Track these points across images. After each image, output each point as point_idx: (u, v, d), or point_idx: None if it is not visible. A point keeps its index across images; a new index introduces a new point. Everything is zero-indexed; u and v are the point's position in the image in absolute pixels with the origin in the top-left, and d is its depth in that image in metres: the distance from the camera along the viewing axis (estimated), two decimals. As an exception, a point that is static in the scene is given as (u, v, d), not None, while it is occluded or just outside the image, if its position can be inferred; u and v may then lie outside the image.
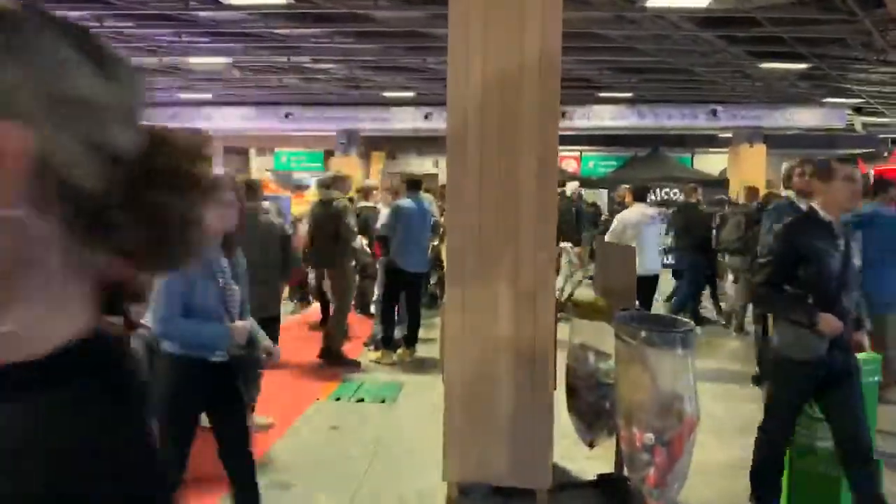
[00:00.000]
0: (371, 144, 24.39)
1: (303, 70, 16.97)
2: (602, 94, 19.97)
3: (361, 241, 6.24)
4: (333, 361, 6.11)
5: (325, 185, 6.14)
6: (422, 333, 6.52)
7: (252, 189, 4.95)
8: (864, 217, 4.30)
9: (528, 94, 2.46)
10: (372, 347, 6.63)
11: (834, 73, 15.61)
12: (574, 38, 13.08)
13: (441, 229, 7.75)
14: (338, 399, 5.56)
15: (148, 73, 17.10)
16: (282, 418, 5.01)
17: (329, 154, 24.55)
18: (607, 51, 14.23)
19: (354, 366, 6.16)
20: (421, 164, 26.37)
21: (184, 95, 20.63)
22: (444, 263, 8.22)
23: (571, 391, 2.71)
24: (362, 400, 5.51)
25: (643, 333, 2.20)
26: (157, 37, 13.56)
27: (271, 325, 4.22)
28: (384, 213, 6.34)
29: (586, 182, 18.19)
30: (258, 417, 5.11)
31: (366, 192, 7.29)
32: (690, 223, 8.49)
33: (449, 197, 2.59)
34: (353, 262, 6.08)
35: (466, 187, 2.58)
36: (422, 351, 6.61)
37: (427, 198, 6.35)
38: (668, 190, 14.60)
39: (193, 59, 15.17)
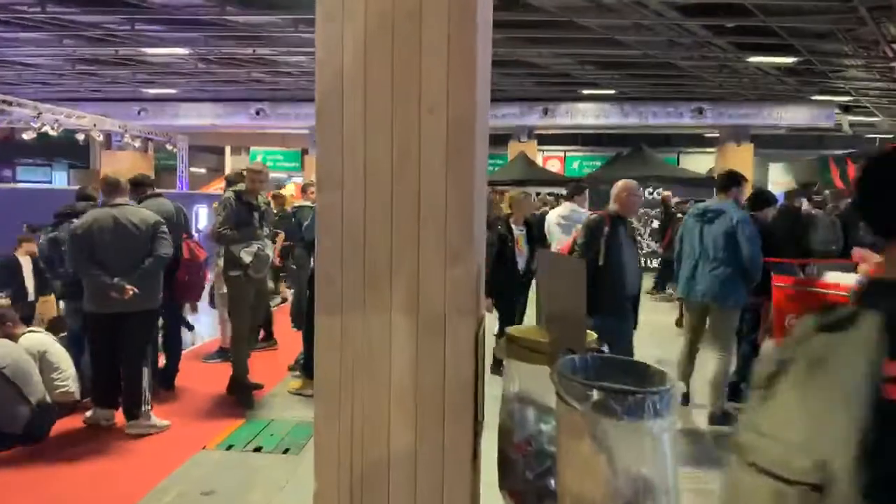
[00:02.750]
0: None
1: (271, 63, 16.11)
2: (585, 92, 19.26)
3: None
4: (238, 391, 5.03)
5: (228, 181, 5.53)
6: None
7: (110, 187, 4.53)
8: None
9: (434, 24, 1.64)
10: (297, 373, 5.55)
11: (824, 69, 14.97)
12: (550, 27, 12.32)
13: None
14: (229, 447, 4.30)
15: (106, 66, 16.35)
16: (146, 474, 3.87)
17: (305, 152, 23.69)
18: (586, 42, 13.48)
19: (254, 388, 5.08)
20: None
21: (149, 91, 19.69)
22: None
23: (504, 462, 1.86)
24: (259, 449, 4.28)
25: (594, 394, 1.39)
26: (106, 24, 12.63)
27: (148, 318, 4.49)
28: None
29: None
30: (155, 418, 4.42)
31: (304, 190, 6.36)
32: (799, 229, 7.09)
33: (319, 184, 1.75)
34: (239, 271, 4.90)
35: (343, 169, 1.75)
36: None
37: None
38: (651, 189, 13.83)
39: (150, 50, 14.27)
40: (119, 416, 4.45)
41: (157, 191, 5.21)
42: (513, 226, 5.66)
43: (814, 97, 18.79)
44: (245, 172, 5.04)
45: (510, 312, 5.40)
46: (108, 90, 19.92)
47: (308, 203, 6.22)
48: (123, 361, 4.33)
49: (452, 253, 1.79)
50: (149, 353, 4.54)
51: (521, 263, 5.57)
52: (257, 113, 20.83)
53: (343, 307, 1.84)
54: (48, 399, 3.80)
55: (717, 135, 21.55)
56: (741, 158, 20.08)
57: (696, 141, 25.36)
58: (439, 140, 1.78)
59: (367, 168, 1.82)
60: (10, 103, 14.87)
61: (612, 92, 19.12)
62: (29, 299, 6.27)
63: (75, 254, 4.32)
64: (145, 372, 4.37)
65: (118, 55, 14.85)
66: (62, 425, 4.18)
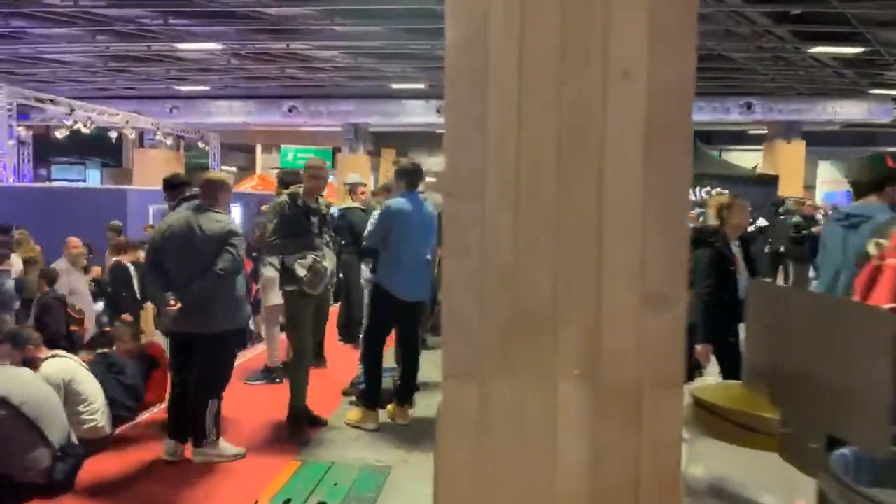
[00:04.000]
0: (380, 140, 23.02)
1: (304, 59, 15.66)
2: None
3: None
4: (294, 426, 4.30)
5: (282, 181, 4.88)
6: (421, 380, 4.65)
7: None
8: None
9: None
10: (354, 399, 4.80)
11: (889, 60, 14.00)
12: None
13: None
14: (286, 503, 3.46)
15: (139, 62, 16.08)
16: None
17: (337, 151, 23.27)
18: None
19: (318, 426, 4.35)
20: (442, 162, 24.90)
21: (181, 88, 19.42)
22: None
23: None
24: (323, 505, 3.39)
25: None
26: (139, 18, 12.28)
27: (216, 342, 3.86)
28: (375, 216, 4.78)
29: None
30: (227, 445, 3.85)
31: (351, 189, 5.74)
32: None
33: (447, 188, 1.16)
34: (296, 286, 4.17)
35: (485, 167, 1.16)
36: (422, 409, 4.61)
37: (434, 199, 4.55)
38: (709, 188, 12.99)
39: (183, 46, 13.92)
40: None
41: (195, 191, 4.64)
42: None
43: (870, 91, 17.75)
44: (303, 170, 4.33)
45: (734, 364, 3.71)
46: (140, 87, 19.71)
47: (357, 204, 5.64)
48: (192, 387, 3.87)
49: (652, 292, 1.19)
50: (217, 382, 3.93)
51: (741, 292, 3.97)
52: (290, 110, 20.44)
53: (482, 368, 1.26)
54: (73, 438, 3.28)
55: (765, 131, 20.54)
56: (792, 156, 19.09)
57: (739, 138, 24.34)
58: (634, 121, 1.18)
59: (522, 165, 1.23)
60: (44, 101, 14.70)
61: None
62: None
63: (146, 261, 3.93)
64: (211, 403, 3.83)
65: (151, 51, 14.53)
66: (91, 466, 3.58)
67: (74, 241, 5.98)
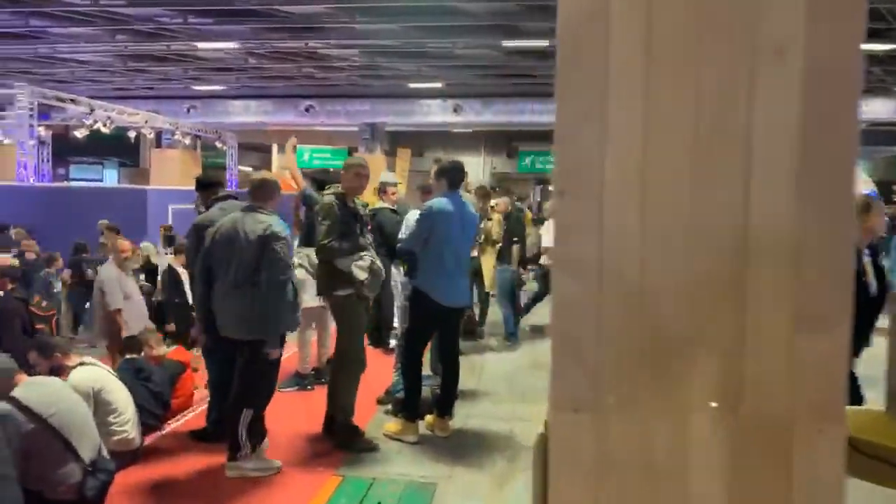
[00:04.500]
0: (396, 140, 22.88)
1: (321, 58, 15.54)
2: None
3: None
4: (336, 439, 4.08)
5: (317, 181, 4.64)
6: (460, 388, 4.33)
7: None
8: None
9: None
10: (389, 408, 4.61)
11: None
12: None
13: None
14: None
15: (157, 62, 16.05)
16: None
17: (354, 150, 23.17)
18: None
19: (367, 450, 3.99)
20: (467, 163, 24.72)
21: (199, 87, 19.39)
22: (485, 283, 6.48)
23: None
24: (367, 525, 3.25)
25: None
26: (158, 17, 12.21)
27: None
28: (411, 217, 4.62)
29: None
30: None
31: (381, 189, 5.54)
32: None
33: (557, 185, 0.97)
34: (350, 290, 3.93)
35: (602, 160, 0.96)
36: (461, 420, 4.38)
37: (468, 198, 4.37)
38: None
39: (202, 45, 13.83)
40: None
41: (229, 191, 4.45)
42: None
43: (897, 89, 17.35)
44: (344, 169, 4.07)
45: (852, 389, 3.15)
46: (158, 88, 19.70)
47: (387, 205, 5.46)
48: (231, 396, 3.71)
49: (809, 313, 1.01)
50: (255, 392, 3.71)
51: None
52: (306, 110, 20.35)
53: (600, 401, 1.08)
54: (104, 452, 3.12)
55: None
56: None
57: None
58: (788, 111, 1.00)
59: (649, 160, 1.05)
60: (65, 100, 14.71)
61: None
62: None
63: (198, 266, 3.75)
64: (245, 413, 3.62)
65: (169, 50, 14.47)
66: (120, 479, 3.35)
67: (124, 244, 5.55)
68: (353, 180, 4.08)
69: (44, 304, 4.82)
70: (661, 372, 1.06)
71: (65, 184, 17.81)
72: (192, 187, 4.29)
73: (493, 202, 6.34)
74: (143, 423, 3.89)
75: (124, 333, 4.87)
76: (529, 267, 7.43)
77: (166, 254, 8.12)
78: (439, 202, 4.03)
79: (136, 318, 5.27)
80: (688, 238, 1.04)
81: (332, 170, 5.84)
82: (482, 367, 5.89)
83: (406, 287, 4.31)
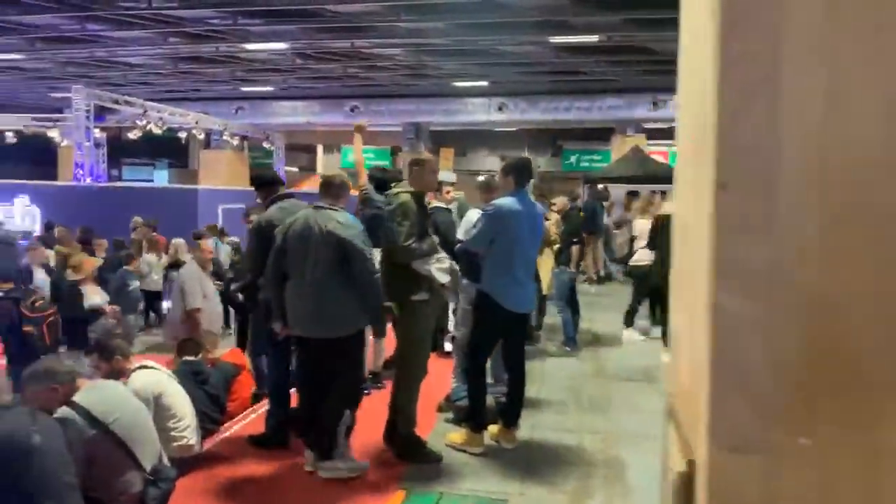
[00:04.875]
0: (439, 140, 22.81)
1: (366, 57, 15.54)
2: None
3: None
4: (397, 449, 3.88)
5: (376, 179, 4.46)
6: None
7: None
8: None
9: None
10: (451, 416, 4.41)
11: None
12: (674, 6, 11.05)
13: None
14: None
15: (207, 64, 16.32)
16: None
17: (397, 150, 23.19)
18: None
19: (430, 462, 3.79)
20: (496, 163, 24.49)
21: (246, 89, 19.66)
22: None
23: None
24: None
25: None
26: (209, 19, 12.36)
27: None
28: (471, 216, 4.40)
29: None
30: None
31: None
32: None
33: (719, 174, 0.76)
34: (426, 295, 3.73)
35: (779, 146, 0.75)
36: (527, 431, 4.14)
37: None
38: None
39: (251, 46, 13.98)
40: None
41: (288, 191, 4.35)
42: None
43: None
44: (415, 165, 3.87)
45: None
46: (207, 89, 20.05)
47: (442, 204, 5.30)
48: (327, 396, 3.59)
49: None
50: (355, 390, 3.66)
51: None
52: (352, 110, 20.43)
53: (772, 439, 0.89)
54: (165, 459, 3.06)
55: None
56: None
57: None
58: None
59: (831, 146, 0.86)
60: (119, 102, 15.08)
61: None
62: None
63: (270, 263, 3.67)
64: (346, 415, 3.57)
65: (218, 52, 14.68)
66: (181, 485, 3.21)
67: (207, 243, 5.60)
68: (428, 176, 3.92)
69: (37, 303, 4.72)
70: (851, 406, 0.87)
71: (121, 184, 18.26)
72: (241, 187, 4.22)
73: (551, 201, 6.13)
74: (201, 427, 3.83)
75: (201, 332, 4.91)
76: (614, 267, 7.22)
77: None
78: (507, 201, 3.81)
79: (212, 317, 5.32)
80: (883, 242, 0.85)
81: (389, 168, 5.68)
82: (543, 375, 5.69)
83: (468, 290, 4.11)
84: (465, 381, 4.23)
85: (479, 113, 20.15)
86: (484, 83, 18.27)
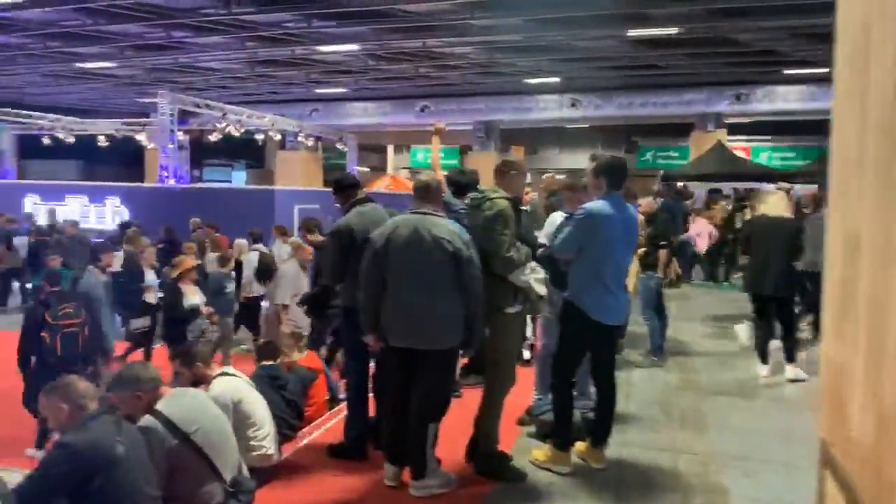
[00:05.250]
0: (508, 138, 22.55)
1: (438, 56, 15.49)
2: (788, 72, 16.62)
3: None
4: (479, 465, 3.65)
5: (456, 183, 4.28)
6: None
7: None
8: None
9: None
10: (533, 429, 4.17)
11: None
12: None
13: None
14: None
15: (282, 67, 16.72)
16: None
17: (466, 149, 23.11)
18: (799, 11, 11.28)
19: (515, 480, 3.56)
20: (583, 160, 23.99)
21: (320, 91, 20.04)
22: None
23: None
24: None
25: None
26: (285, 22, 12.61)
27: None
28: (556, 219, 4.09)
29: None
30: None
31: None
32: None
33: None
34: (519, 306, 3.52)
35: None
36: (616, 448, 3.86)
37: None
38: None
39: (324, 48, 14.17)
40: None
41: (367, 193, 4.25)
42: None
43: None
44: (505, 167, 3.63)
45: None
46: (283, 92, 20.55)
47: (524, 207, 5.10)
48: (411, 410, 3.41)
49: None
50: (441, 404, 3.46)
51: None
52: (422, 110, 20.48)
53: None
54: (244, 470, 3.02)
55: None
56: None
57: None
58: None
59: None
60: (201, 105, 15.66)
61: (826, 70, 16.33)
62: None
63: (367, 271, 3.42)
64: (431, 428, 3.39)
65: (294, 55, 14.97)
66: (260, 496, 3.14)
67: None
68: (519, 178, 3.71)
69: (59, 313, 4.56)
70: None
71: (201, 185, 18.96)
72: (316, 188, 4.15)
73: (638, 202, 5.80)
74: (279, 434, 3.78)
75: (285, 329, 4.89)
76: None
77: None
78: (598, 205, 3.51)
79: (301, 318, 5.31)
80: None
81: (467, 171, 5.49)
82: (629, 386, 5.33)
83: (553, 299, 3.88)
84: (546, 393, 4.00)
85: (551, 110, 19.77)
86: (556, 79, 17.89)
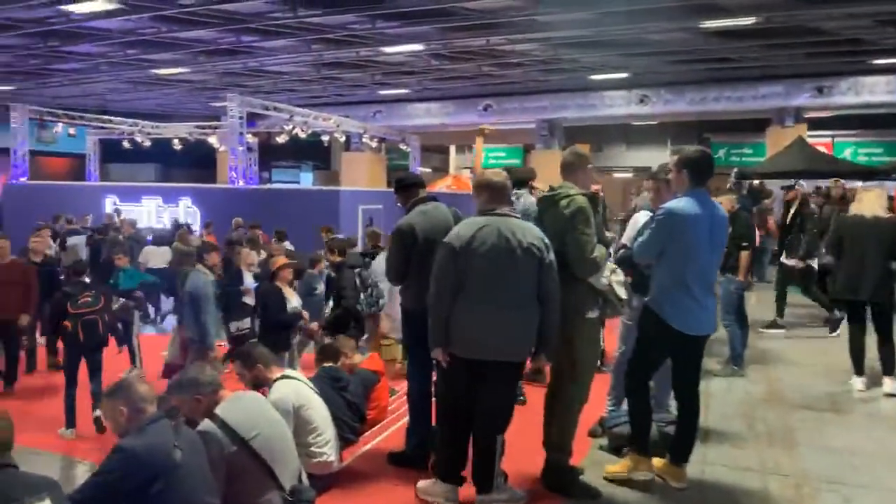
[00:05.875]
0: (573, 136, 22.08)
1: (500, 54, 15.30)
2: (876, 62, 15.53)
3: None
4: (547, 479, 3.44)
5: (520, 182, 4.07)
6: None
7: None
8: None
9: None
10: (606, 442, 3.93)
11: None
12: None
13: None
14: None
15: (347, 69, 16.89)
16: None
17: (529, 148, 22.81)
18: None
19: (587, 497, 3.35)
20: (650, 158, 23.20)
21: (383, 92, 20.17)
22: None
23: None
24: None
25: None
26: (349, 24, 12.70)
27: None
28: (639, 219, 3.82)
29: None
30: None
31: None
32: None
33: None
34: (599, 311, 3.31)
35: None
36: (697, 466, 3.59)
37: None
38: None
39: (388, 49, 14.21)
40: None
41: (431, 193, 4.11)
42: None
43: None
44: (580, 161, 3.45)
45: None
46: (348, 94, 20.81)
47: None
48: (477, 423, 3.24)
49: None
50: (508, 417, 3.27)
51: None
52: (485, 109, 20.31)
53: None
54: (304, 477, 2.93)
55: None
56: None
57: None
58: None
59: None
60: (268, 108, 16.07)
61: (919, 58, 15.20)
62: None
63: (440, 278, 3.16)
64: (499, 441, 3.18)
65: (359, 56, 15.09)
66: None
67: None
68: (591, 176, 3.51)
69: (79, 301, 4.76)
70: None
71: (268, 186, 19.43)
72: (380, 188, 4.06)
73: (719, 200, 5.45)
74: (340, 437, 3.69)
75: (385, 332, 4.79)
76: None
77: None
78: (682, 203, 3.23)
79: (397, 320, 5.13)
80: None
81: (513, 168, 5.26)
82: (708, 398, 4.87)
83: (633, 304, 3.62)
84: (619, 404, 3.75)
85: (618, 106, 19.20)
86: (623, 75, 17.34)
